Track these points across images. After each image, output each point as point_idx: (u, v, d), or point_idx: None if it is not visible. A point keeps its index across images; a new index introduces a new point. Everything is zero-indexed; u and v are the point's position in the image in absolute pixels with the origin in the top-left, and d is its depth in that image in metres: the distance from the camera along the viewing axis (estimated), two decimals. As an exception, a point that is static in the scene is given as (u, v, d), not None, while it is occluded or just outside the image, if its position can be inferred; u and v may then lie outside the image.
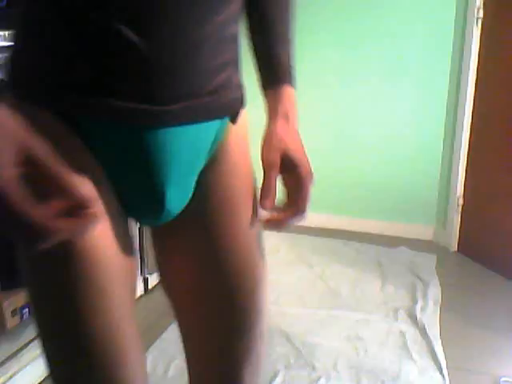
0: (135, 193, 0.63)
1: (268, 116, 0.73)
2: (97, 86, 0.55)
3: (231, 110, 0.68)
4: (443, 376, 1.75)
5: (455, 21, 2.70)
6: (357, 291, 2.35)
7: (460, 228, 2.80)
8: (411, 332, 2.02)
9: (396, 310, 2.18)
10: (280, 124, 0.71)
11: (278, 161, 0.68)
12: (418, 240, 2.96)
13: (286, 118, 0.71)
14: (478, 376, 1.79)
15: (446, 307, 2.21)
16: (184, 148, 0.62)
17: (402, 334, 2.01)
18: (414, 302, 2.24)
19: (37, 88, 0.56)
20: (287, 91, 0.73)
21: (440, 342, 1.95)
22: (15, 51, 0.59)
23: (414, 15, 2.79)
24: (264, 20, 0.73)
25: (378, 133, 2.98)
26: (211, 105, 0.63)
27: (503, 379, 1.75)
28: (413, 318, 2.12)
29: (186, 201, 0.68)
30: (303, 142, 0.71)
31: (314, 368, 1.79)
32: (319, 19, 2.91)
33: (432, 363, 1.82)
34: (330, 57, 2.95)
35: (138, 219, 0.69)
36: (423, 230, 3.00)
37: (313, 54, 2.95)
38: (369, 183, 3.06)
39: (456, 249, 2.83)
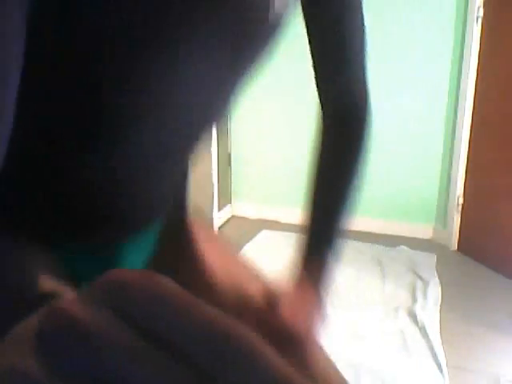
0: None
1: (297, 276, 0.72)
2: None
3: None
4: (443, 375, 1.75)
5: (455, 20, 2.70)
6: (356, 290, 2.35)
7: (460, 227, 2.80)
8: (411, 331, 2.02)
9: (396, 309, 2.18)
10: (300, 293, 0.69)
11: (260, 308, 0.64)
12: (418, 239, 2.96)
13: (309, 287, 0.70)
14: (478, 375, 1.78)
15: (445, 306, 2.21)
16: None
17: (402, 333, 2.01)
18: (414, 301, 2.24)
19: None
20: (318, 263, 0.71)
21: (440, 341, 1.95)
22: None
23: (413, 15, 2.79)
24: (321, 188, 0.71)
25: (378, 132, 2.98)
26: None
27: (504, 379, 1.75)
28: (413, 317, 2.12)
29: None
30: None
31: (313, 367, 1.79)
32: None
33: (432, 362, 1.82)
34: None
35: None
36: (423, 229, 3.00)
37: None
38: (369, 182, 3.06)
39: (456, 248, 2.83)
